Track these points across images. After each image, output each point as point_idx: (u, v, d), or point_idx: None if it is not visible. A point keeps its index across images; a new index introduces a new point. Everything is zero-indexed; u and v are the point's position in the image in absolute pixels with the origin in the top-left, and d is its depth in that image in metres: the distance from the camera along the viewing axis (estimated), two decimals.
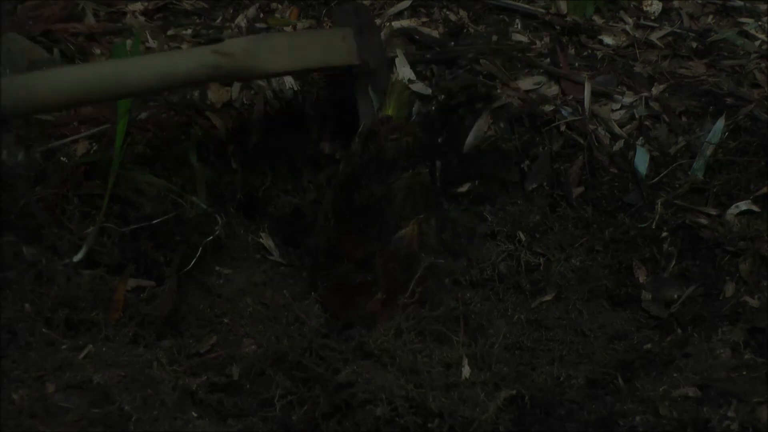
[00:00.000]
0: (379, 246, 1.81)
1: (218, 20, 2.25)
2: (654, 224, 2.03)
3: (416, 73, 2.17)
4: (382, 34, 2.22)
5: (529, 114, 2.11)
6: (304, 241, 2.04)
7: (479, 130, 2.08)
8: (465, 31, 2.27)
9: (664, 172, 2.08)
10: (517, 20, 2.32)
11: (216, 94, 2.05)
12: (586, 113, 2.12)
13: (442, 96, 2.13)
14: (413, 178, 1.81)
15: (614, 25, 2.35)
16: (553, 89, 2.17)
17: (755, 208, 2.01)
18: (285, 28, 2.23)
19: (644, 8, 2.40)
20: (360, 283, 1.82)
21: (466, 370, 1.69)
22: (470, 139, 2.08)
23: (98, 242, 1.81)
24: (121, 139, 1.82)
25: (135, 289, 1.81)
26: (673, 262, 2.00)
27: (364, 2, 2.31)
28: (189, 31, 2.21)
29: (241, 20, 2.24)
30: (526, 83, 2.16)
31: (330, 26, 2.23)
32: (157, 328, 1.76)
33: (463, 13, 2.31)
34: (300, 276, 1.99)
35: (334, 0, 2.30)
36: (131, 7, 2.24)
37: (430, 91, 2.14)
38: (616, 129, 2.12)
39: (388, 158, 1.80)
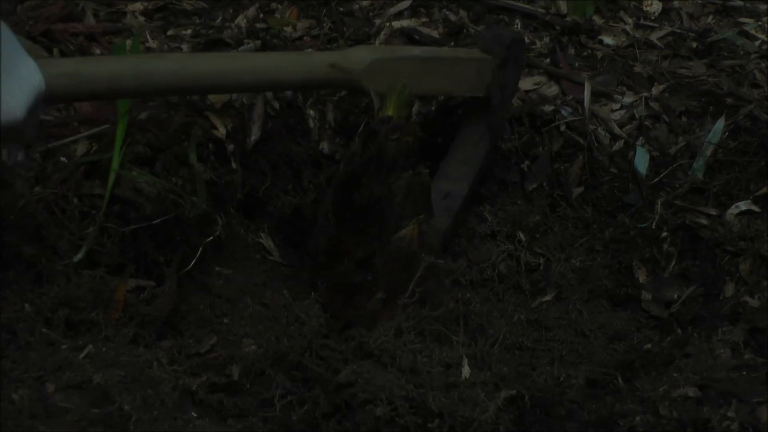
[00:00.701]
0: (379, 246, 1.81)
1: (218, 20, 2.25)
2: (654, 224, 2.03)
3: None
4: (382, 34, 2.22)
5: (529, 114, 2.11)
6: (304, 241, 2.04)
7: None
8: (465, 31, 2.27)
9: (664, 172, 2.08)
10: (517, 20, 2.32)
11: (216, 95, 2.05)
12: (586, 113, 2.12)
13: (442, 96, 2.13)
14: (413, 178, 1.81)
15: (614, 25, 2.36)
16: (553, 89, 2.17)
17: (755, 208, 2.01)
18: (285, 29, 2.23)
19: (644, 8, 2.40)
20: (360, 282, 1.82)
21: (466, 370, 1.69)
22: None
23: (98, 242, 1.81)
24: (121, 139, 1.82)
25: (135, 289, 1.81)
26: (673, 262, 2.00)
27: (365, 3, 2.31)
28: (189, 31, 2.21)
29: (241, 20, 2.24)
30: (526, 83, 2.17)
31: (469, 45, 2.12)
32: (157, 328, 1.76)
33: (463, 13, 2.31)
34: (300, 276, 1.99)
35: (334, 0, 2.30)
36: (131, 7, 2.24)
37: None
38: (616, 129, 2.13)
39: (388, 158, 1.79)
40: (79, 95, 1.68)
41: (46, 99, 1.50)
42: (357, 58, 1.78)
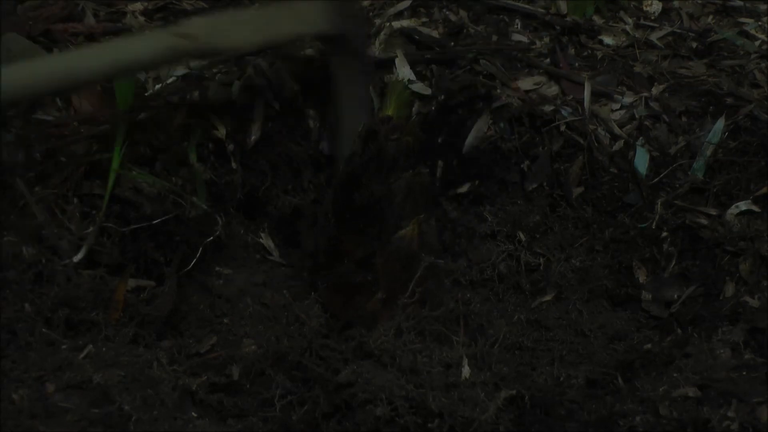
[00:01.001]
0: (379, 246, 1.81)
1: None
2: (654, 224, 2.03)
3: (416, 73, 2.16)
4: (383, 34, 2.22)
5: (529, 114, 2.11)
6: (304, 241, 2.04)
7: (479, 130, 2.08)
8: (465, 31, 2.27)
9: (664, 172, 2.08)
10: (517, 20, 2.32)
11: (216, 95, 2.05)
12: (586, 113, 2.12)
13: (442, 96, 2.13)
14: (413, 178, 1.81)
15: (614, 25, 2.35)
16: (553, 89, 2.17)
17: (755, 208, 2.01)
18: None
19: (644, 8, 2.40)
20: (360, 282, 1.82)
21: (466, 370, 1.69)
22: (470, 139, 2.08)
23: (98, 242, 1.81)
24: (121, 139, 1.82)
25: (135, 289, 1.81)
26: (673, 262, 2.00)
27: (365, 3, 2.31)
28: None
29: None
30: (526, 83, 2.16)
31: None
32: (157, 328, 1.76)
33: (463, 13, 2.31)
34: (300, 276, 1.99)
35: None
36: (131, 7, 2.24)
37: (430, 91, 2.14)
38: (616, 129, 2.13)
39: (388, 158, 1.79)
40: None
41: None
42: (194, 22, 1.76)
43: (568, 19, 2.33)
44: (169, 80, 2.08)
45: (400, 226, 1.80)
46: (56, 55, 1.83)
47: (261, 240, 2.04)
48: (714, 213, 2.03)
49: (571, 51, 2.28)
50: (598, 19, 2.36)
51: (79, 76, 1.70)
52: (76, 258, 1.78)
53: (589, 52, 2.28)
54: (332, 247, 1.85)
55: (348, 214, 1.83)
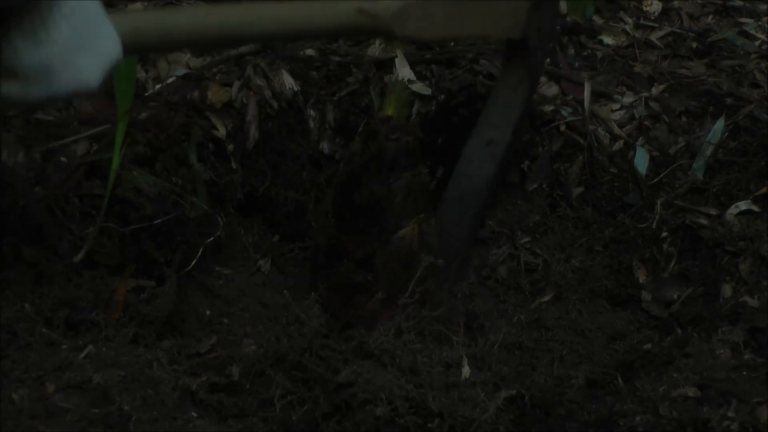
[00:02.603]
0: (379, 245, 1.81)
1: None
2: (654, 224, 2.03)
3: (416, 73, 2.17)
4: None
5: (529, 114, 2.11)
6: (304, 241, 2.04)
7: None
8: None
9: (664, 172, 2.08)
10: None
11: (216, 95, 2.05)
12: (586, 113, 2.12)
13: (442, 96, 2.13)
14: (413, 178, 1.81)
15: (614, 25, 2.36)
16: (553, 89, 2.17)
17: (755, 208, 2.01)
18: None
19: (644, 8, 2.40)
20: (360, 282, 1.82)
21: (466, 370, 1.69)
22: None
23: (98, 242, 1.81)
24: (121, 139, 1.82)
25: (135, 289, 1.81)
26: (673, 262, 2.00)
27: None
28: None
29: None
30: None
31: None
32: (157, 329, 1.76)
33: None
34: (300, 276, 1.99)
35: None
36: (131, 7, 2.24)
37: (430, 91, 2.14)
38: (616, 129, 2.13)
39: (388, 158, 1.79)
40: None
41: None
42: (385, 5, 1.71)
43: (568, 19, 2.33)
44: (169, 80, 2.09)
45: (400, 225, 1.80)
46: (225, 6, 1.79)
47: (261, 240, 2.04)
48: (714, 213, 2.03)
49: (571, 51, 2.28)
50: (598, 19, 2.36)
51: (253, 31, 1.66)
52: (76, 258, 1.78)
53: (589, 52, 2.28)
54: (332, 246, 1.85)
55: (348, 213, 1.83)
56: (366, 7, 1.69)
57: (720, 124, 2.10)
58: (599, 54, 2.26)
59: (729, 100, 2.14)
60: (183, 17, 1.63)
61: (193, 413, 1.59)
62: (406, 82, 2.11)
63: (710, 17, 2.40)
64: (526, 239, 2.04)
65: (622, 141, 2.11)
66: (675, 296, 1.96)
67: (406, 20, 1.71)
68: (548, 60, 2.06)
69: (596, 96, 2.16)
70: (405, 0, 1.73)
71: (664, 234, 2.02)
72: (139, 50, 1.70)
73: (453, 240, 1.87)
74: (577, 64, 2.23)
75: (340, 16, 1.70)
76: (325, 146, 2.11)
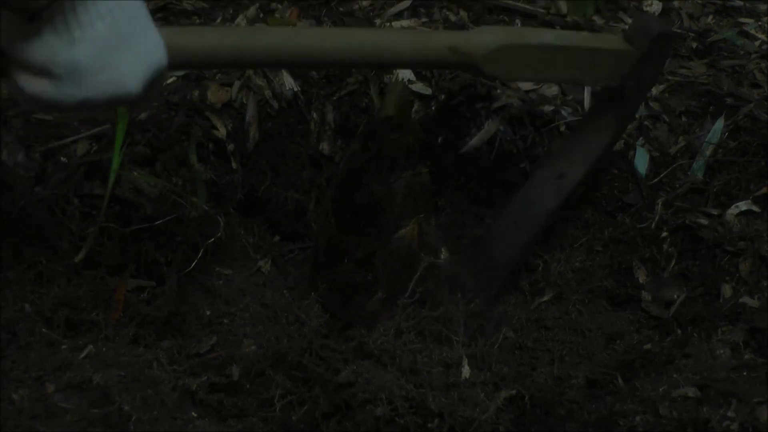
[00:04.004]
0: (379, 245, 1.81)
1: (218, 20, 2.25)
2: (654, 224, 2.03)
3: (416, 73, 2.17)
4: None
5: (529, 114, 2.11)
6: (304, 241, 2.04)
7: (487, 132, 2.09)
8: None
9: (664, 172, 2.08)
10: (517, 20, 2.32)
11: (216, 95, 2.06)
12: (586, 113, 2.12)
13: (442, 96, 2.13)
14: (413, 177, 1.81)
15: (614, 25, 2.35)
16: (553, 89, 2.16)
17: (755, 208, 2.01)
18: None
19: (644, 8, 2.40)
20: (360, 282, 1.82)
21: (466, 370, 1.69)
22: (474, 141, 2.09)
23: (98, 242, 1.82)
24: (121, 139, 1.82)
25: (135, 289, 1.81)
26: (673, 262, 2.00)
27: (365, 3, 2.31)
28: None
29: (241, 20, 2.24)
30: (526, 83, 2.16)
31: (609, 33, 1.98)
32: (157, 329, 1.76)
33: (463, 13, 2.31)
34: (300, 276, 1.99)
35: (334, 0, 2.30)
36: None
37: (430, 91, 2.14)
38: None
39: (388, 158, 1.80)
40: (192, 66, 1.66)
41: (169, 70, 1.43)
42: (480, 42, 1.66)
43: (568, 19, 2.33)
44: (169, 80, 2.09)
45: (400, 225, 1.80)
46: (317, 30, 1.75)
47: (261, 240, 2.04)
48: (714, 213, 2.03)
49: None
50: (598, 19, 2.36)
51: (340, 58, 1.61)
52: (76, 258, 1.78)
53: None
54: (332, 246, 1.85)
55: (348, 213, 1.83)
56: (458, 45, 1.65)
57: (720, 124, 2.10)
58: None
59: (729, 100, 2.14)
60: (253, 39, 1.56)
61: (193, 413, 1.60)
62: (406, 82, 2.11)
63: (710, 17, 2.40)
64: None
65: (622, 141, 2.11)
66: (675, 296, 1.96)
67: (497, 61, 1.67)
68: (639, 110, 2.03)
69: (596, 96, 2.16)
70: (499, 41, 1.69)
71: (664, 234, 2.03)
72: (194, 66, 1.64)
73: (500, 262, 1.85)
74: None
75: (430, 51, 1.65)
76: (325, 146, 2.11)
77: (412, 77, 2.15)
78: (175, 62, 1.40)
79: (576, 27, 2.30)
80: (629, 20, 2.35)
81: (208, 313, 1.89)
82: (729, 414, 1.59)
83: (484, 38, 1.68)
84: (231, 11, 2.28)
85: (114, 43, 1.29)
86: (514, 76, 1.75)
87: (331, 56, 1.61)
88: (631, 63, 1.79)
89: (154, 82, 1.36)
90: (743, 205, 2.02)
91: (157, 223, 1.86)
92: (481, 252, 1.90)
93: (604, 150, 1.92)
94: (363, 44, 1.63)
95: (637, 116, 2.13)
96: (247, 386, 1.68)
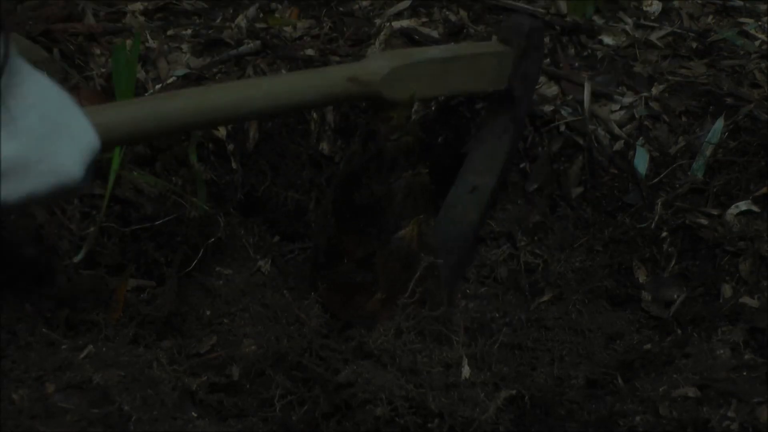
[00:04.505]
0: (379, 246, 1.81)
1: (218, 20, 2.25)
2: (654, 224, 2.03)
3: None
4: (383, 34, 2.22)
5: (529, 114, 2.11)
6: (304, 241, 2.04)
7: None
8: (465, 31, 2.27)
9: (664, 172, 2.08)
10: None
11: None
12: (586, 113, 2.12)
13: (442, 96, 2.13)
14: (413, 178, 1.81)
15: (614, 25, 2.35)
16: (553, 89, 2.17)
17: (755, 208, 2.01)
18: (285, 29, 2.23)
19: (644, 8, 2.40)
20: (360, 282, 1.82)
21: (466, 370, 1.69)
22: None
23: (98, 242, 1.81)
24: None
25: (135, 289, 1.81)
26: (673, 262, 2.00)
27: (365, 3, 2.31)
28: (189, 31, 2.21)
29: (241, 20, 2.24)
30: None
31: (492, 37, 2.06)
32: (157, 329, 1.76)
33: (463, 13, 2.31)
34: (300, 276, 1.99)
35: (334, 0, 2.30)
36: (131, 7, 2.24)
37: None
38: (616, 129, 2.13)
39: (388, 158, 1.79)
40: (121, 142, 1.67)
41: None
42: (375, 68, 1.73)
43: (568, 19, 2.33)
44: (169, 80, 2.09)
45: (400, 226, 1.80)
46: (224, 86, 1.78)
47: (261, 240, 2.04)
48: (714, 213, 2.03)
49: (571, 51, 2.28)
50: (598, 19, 2.36)
51: (247, 111, 1.65)
52: (76, 258, 1.78)
53: (589, 52, 2.28)
54: (332, 246, 1.85)
55: (348, 213, 1.83)
56: (355, 75, 1.71)
57: (720, 124, 2.10)
58: (599, 54, 2.26)
59: (729, 100, 2.14)
60: (167, 104, 1.57)
61: (193, 413, 1.60)
62: None
63: (710, 17, 2.40)
64: (526, 239, 2.04)
65: (622, 141, 2.11)
66: (675, 296, 1.96)
67: (394, 83, 1.73)
68: (531, 107, 2.08)
69: (596, 96, 2.16)
70: (392, 64, 1.75)
71: (664, 234, 2.03)
72: (117, 143, 1.65)
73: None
74: (577, 64, 2.23)
75: (330, 86, 1.70)
76: (325, 146, 2.11)
77: None
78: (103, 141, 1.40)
79: (576, 27, 2.30)
80: (629, 20, 2.35)
81: (208, 313, 1.89)
82: (729, 414, 1.59)
83: (378, 63, 1.75)
84: (231, 11, 2.28)
85: (48, 132, 1.28)
86: (406, 96, 1.77)
87: (243, 110, 1.63)
88: (513, 62, 1.89)
89: (91, 165, 1.35)
90: (743, 205, 2.02)
91: (157, 223, 1.86)
92: None
93: (507, 154, 1.97)
94: (268, 94, 1.66)
95: (637, 116, 2.14)
96: (247, 386, 1.68)
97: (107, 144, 1.43)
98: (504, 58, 1.90)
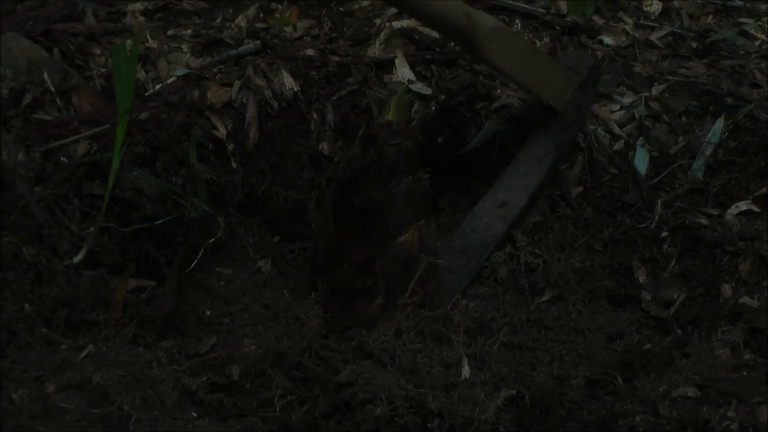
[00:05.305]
0: (379, 250, 1.80)
1: (218, 20, 2.26)
2: (654, 224, 2.03)
3: (416, 73, 2.17)
4: (383, 34, 2.22)
5: (529, 114, 2.11)
6: (304, 242, 2.04)
7: (487, 132, 2.09)
8: None
9: (664, 172, 2.08)
10: (517, 20, 2.32)
11: (216, 95, 2.06)
12: None
13: (442, 96, 2.13)
14: (413, 182, 1.81)
15: (614, 25, 2.35)
16: None
17: (755, 208, 2.01)
18: (285, 29, 2.23)
19: (644, 8, 2.40)
20: (360, 287, 1.82)
21: (465, 370, 1.69)
22: (475, 141, 2.09)
23: (98, 242, 1.81)
24: (121, 139, 1.82)
25: (135, 289, 1.81)
26: (673, 262, 2.00)
27: (365, 3, 2.31)
28: (189, 31, 2.21)
29: (241, 20, 2.24)
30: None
31: (561, 60, 2.14)
32: (157, 329, 1.76)
33: None
34: (300, 276, 1.99)
35: (334, 0, 2.30)
36: (131, 7, 2.24)
37: (430, 91, 2.14)
38: (616, 129, 2.13)
39: (388, 163, 1.79)
40: None
41: None
42: (488, 18, 1.86)
43: (568, 19, 2.33)
44: (169, 80, 2.09)
45: (400, 230, 1.80)
46: None
47: (261, 240, 2.04)
48: (714, 213, 2.03)
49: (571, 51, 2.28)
50: (598, 19, 2.36)
51: None
52: (76, 258, 1.78)
53: (589, 52, 2.28)
54: (332, 250, 1.85)
55: (348, 218, 1.82)
56: (471, 14, 1.84)
57: (720, 124, 2.10)
58: (599, 54, 2.26)
59: (729, 100, 2.14)
60: None
61: (193, 413, 1.60)
62: (407, 85, 2.11)
63: (710, 17, 2.40)
64: (526, 239, 2.04)
65: (622, 141, 2.11)
66: (675, 296, 1.96)
67: (493, 41, 1.85)
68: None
69: (596, 96, 2.16)
70: (499, 24, 1.89)
71: (664, 234, 2.03)
72: None
73: (447, 288, 1.88)
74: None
75: (450, 11, 1.83)
76: (325, 146, 2.11)
77: (412, 77, 2.15)
78: None
79: (576, 27, 2.30)
80: (629, 20, 2.35)
81: (208, 313, 1.89)
82: (729, 414, 1.59)
83: (490, 17, 1.89)
84: (231, 11, 2.28)
85: None
86: (499, 62, 1.88)
87: None
88: (573, 86, 1.99)
89: None
90: (743, 205, 2.02)
91: (157, 223, 1.86)
92: None
93: (544, 177, 2.01)
94: None
95: (637, 116, 2.14)
96: (247, 386, 1.68)
97: None
98: (569, 79, 1.98)
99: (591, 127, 2.11)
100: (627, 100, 2.16)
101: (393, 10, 2.29)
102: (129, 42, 1.98)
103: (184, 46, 2.17)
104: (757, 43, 2.31)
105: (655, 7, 2.40)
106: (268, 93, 2.09)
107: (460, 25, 1.83)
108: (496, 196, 1.98)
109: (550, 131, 2.00)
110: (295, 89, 2.10)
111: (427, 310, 1.78)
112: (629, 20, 2.36)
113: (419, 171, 1.82)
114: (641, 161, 2.09)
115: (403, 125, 1.83)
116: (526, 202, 1.99)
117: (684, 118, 2.14)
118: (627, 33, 2.33)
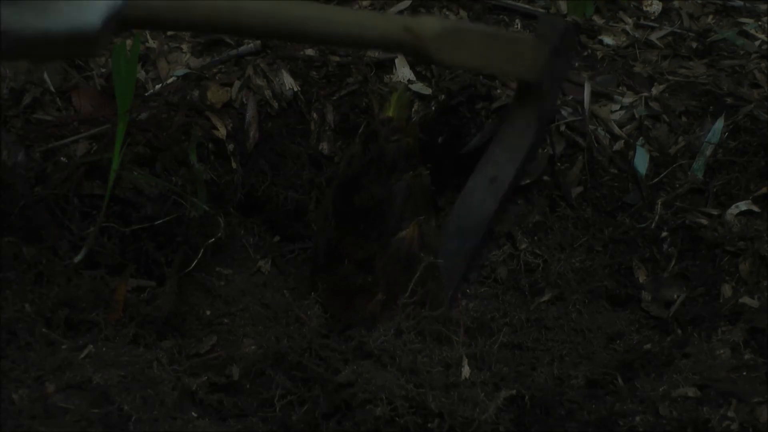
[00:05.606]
0: (379, 248, 1.80)
1: None
2: (654, 224, 2.03)
3: (416, 73, 2.17)
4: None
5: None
6: (304, 242, 2.04)
7: (488, 132, 2.09)
8: None
9: (664, 172, 2.08)
10: (517, 20, 2.32)
11: (216, 95, 2.06)
12: (586, 113, 2.12)
13: (442, 96, 2.13)
14: (414, 179, 1.81)
15: (614, 25, 2.36)
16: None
17: (755, 208, 2.01)
18: None
19: (644, 8, 2.40)
20: (360, 284, 1.82)
21: (466, 370, 1.69)
22: (475, 141, 2.09)
23: (98, 242, 1.82)
24: (121, 139, 1.82)
25: (135, 289, 1.81)
26: (673, 263, 2.00)
27: (365, 3, 2.31)
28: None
29: None
30: None
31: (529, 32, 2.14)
32: (157, 329, 1.76)
33: (463, 13, 2.31)
34: (300, 276, 1.99)
35: (334, 0, 2.30)
36: None
37: (430, 91, 2.14)
38: (616, 129, 2.13)
39: (388, 160, 1.79)
40: (157, 25, 1.72)
41: (123, 23, 1.43)
42: (429, 24, 1.80)
43: (568, 18, 2.33)
44: (169, 80, 2.09)
45: (400, 228, 1.80)
46: (294, 3, 1.81)
47: (261, 240, 2.04)
48: (714, 213, 2.03)
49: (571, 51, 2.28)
50: (598, 19, 2.36)
51: (310, 31, 1.73)
52: (76, 258, 1.78)
53: (589, 52, 2.28)
54: (332, 248, 1.85)
55: (348, 215, 1.83)
56: (411, 26, 1.79)
57: (720, 124, 2.10)
58: (599, 54, 2.26)
59: (729, 100, 2.14)
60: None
61: (193, 413, 1.60)
62: (407, 83, 2.11)
63: (710, 17, 2.40)
64: (526, 239, 2.04)
65: (622, 141, 2.11)
66: (675, 296, 1.96)
67: (443, 44, 1.80)
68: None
69: (596, 96, 2.16)
70: (444, 24, 1.84)
71: (664, 234, 2.03)
72: (142, 22, 1.68)
73: (448, 272, 1.88)
74: (577, 64, 2.23)
75: (388, 30, 1.78)
76: (325, 146, 2.11)
77: (412, 77, 2.15)
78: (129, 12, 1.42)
79: (576, 27, 2.30)
80: (629, 20, 2.35)
81: (208, 313, 1.89)
82: (729, 414, 1.59)
83: (432, 21, 1.83)
84: None
85: None
86: (456, 60, 1.84)
87: (308, 28, 1.72)
88: (545, 56, 1.93)
89: (110, 22, 1.33)
90: (743, 205, 2.02)
91: (157, 223, 1.86)
92: None
93: (529, 149, 1.99)
94: (336, 19, 1.76)
95: (637, 116, 2.14)
96: (247, 386, 1.68)
97: (132, 18, 1.44)
98: (539, 50, 1.93)
99: (591, 127, 2.11)
100: (627, 100, 2.16)
101: (393, 10, 2.29)
102: (129, 42, 1.98)
103: (184, 46, 2.17)
104: (757, 43, 2.31)
105: (655, 7, 2.40)
106: (268, 93, 2.09)
107: (402, 42, 1.78)
108: (484, 172, 1.97)
109: (529, 103, 1.98)
110: (295, 89, 2.10)
111: (427, 310, 1.78)
112: (629, 20, 2.36)
113: (420, 168, 1.82)
114: (641, 161, 2.09)
115: (404, 122, 1.83)
116: (513, 177, 1.98)
117: (684, 118, 2.14)
118: (627, 33, 2.34)
